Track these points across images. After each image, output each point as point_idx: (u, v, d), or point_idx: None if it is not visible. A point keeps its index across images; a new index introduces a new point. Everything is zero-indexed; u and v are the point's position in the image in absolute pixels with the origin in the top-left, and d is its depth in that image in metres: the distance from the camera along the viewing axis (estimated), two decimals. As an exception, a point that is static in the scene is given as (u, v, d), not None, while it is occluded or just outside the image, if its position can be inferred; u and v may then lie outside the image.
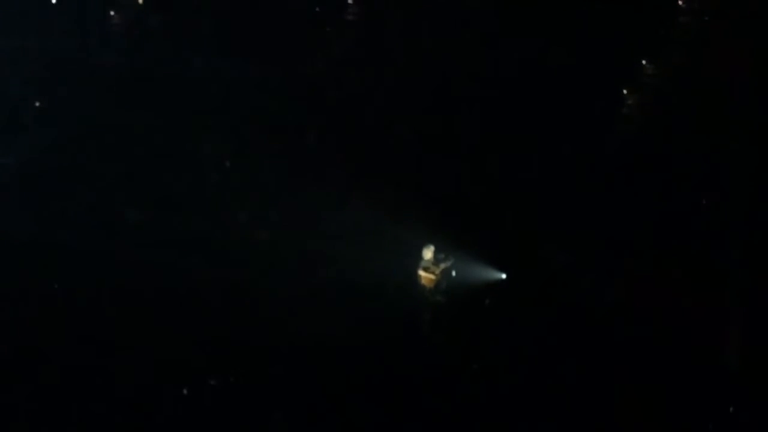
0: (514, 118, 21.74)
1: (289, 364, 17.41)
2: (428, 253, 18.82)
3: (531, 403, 16.89)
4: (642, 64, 22.30)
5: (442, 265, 18.82)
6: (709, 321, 17.85)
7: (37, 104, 22.57)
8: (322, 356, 17.53)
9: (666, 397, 16.89)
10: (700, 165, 20.32)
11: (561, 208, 19.93)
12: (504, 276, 18.95)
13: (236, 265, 19.04)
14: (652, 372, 17.22)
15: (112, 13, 24.46)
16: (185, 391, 16.97)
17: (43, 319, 17.95)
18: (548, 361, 17.47)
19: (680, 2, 22.79)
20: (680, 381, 17.07)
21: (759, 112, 20.69)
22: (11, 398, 16.52)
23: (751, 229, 19.17)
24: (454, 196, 20.33)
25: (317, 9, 24.25)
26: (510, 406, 16.90)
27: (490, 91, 22.15)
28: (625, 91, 22.06)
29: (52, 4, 24.34)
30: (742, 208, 19.49)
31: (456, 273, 18.87)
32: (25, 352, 17.33)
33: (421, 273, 18.81)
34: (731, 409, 16.82)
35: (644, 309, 18.12)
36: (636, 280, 18.64)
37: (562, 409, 16.79)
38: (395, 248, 19.02)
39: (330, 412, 16.74)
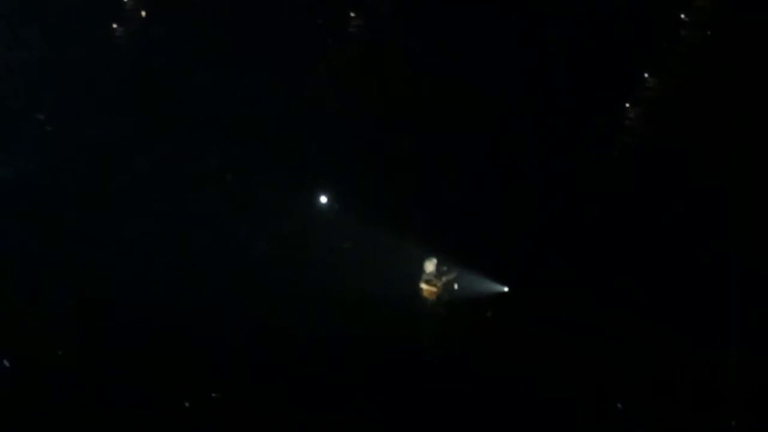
0: (517, 130, 21.73)
1: (289, 377, 17.41)
2: (430, 266, 18.84)
3: (533, 416, 16.88)
4: (644, 77, 22.31)
5: (445, 278, 18.83)
6: (711, 331, 17.85)
7: (39, 117, 22.56)
8: (324, 369, 17.53)
9: (668, 409, 16.88)
10: (702, 177, 20.32)
11: (563, 221, 19.91)
12: (506, 289, 18.93)
13: (237, 276, 19.03)
14: (655, 383, 17.22)
15: (115, 25, 24.46)
16: (187, 404, 16.97)
17: (41, 331, 17.94)
18: (551, 373, 17.46)
19: (682, 15, 22.79)
20: (682, 392, 17.07)
21: (760, 122, 20.70)
22: (8, 412, 16.55)
23: (751, 239, 19.17)
24: (457, 209, 20.31)
25: (319, 21, 24.26)
26: (512, 419, 16.88)
27: (493, 104, 22.14)
28: (627, 104, 22.06)
29: (54, 16, 24.33)
30: (743, 217, 19.49)
31: (458, 286, 18.86)
32: (23, 365, 17.34)
33: (423, 286, 18.82)
34: (732, 421, 16.88)
35: (647, 321, 18.11)
36: (638, 292, 18.63)
37: (565, 422, 16.79)
38: (397, 261, 19.02)
39: (330, 425, 16.74)
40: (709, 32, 22.60)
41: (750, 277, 18.60)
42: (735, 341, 17.84)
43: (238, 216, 20.40)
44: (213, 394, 17.19)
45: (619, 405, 17.16)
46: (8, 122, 22.14)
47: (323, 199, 20.84)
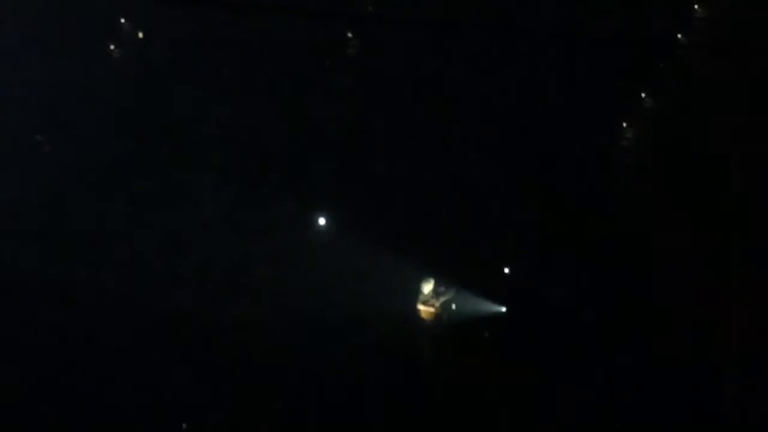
0: (515, 151, 21.77)
1: (287, 399, 17.39)
2: (427, 287, 18.81)
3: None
4: (641, 97, 22.38)
5: (442, 299, 18.80)
6: (709, 358, 17.83)
7: (38, 138, 22.58)
8: (322, 391, 17.50)
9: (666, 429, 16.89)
10: (700, 196, 20.35)
11: (561, 240, 19.92)
12: (504, 309, 18.91)
13: (233, 298, 19.01)
14: (653, 407, 17.19)
15: (112, 47, 24.52)
16: (185, 426, 16.93)
17: (36, 355, 17.90)
18: (549, 395, 17.42)
19: (679, 36, 22.89)
20: (679, 415, 17.05)
21: (758, 141, 20.75)
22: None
23: (750, 257, 19.17)
24: (454, 229, 20.32)
25: (316, 43, 24.32)
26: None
27: (491, 125, 22.18)
28: (624, 124, 22.11)
29: (53, 39, 24.37)
30: (742, 237, 19.49)
31: (456, 306, 18.84)
32: (20, 387, 17.31)
33: (421, 306, 18.79)
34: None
35: (644, 344, 18.08)
36: (636, 314, 18.61)
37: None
38: (394, 282, 19.00)
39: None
40: (706, 53, 22.68)
41: (749, 295, 18.60)
42: (734, 358, 17.84)
43: (233, 240, 20.35)
44: (211, 418, 17.15)
45: (617, 425, 17.13)
46: (6, 144, 22.13)
47: (320, 220, 20.84)
